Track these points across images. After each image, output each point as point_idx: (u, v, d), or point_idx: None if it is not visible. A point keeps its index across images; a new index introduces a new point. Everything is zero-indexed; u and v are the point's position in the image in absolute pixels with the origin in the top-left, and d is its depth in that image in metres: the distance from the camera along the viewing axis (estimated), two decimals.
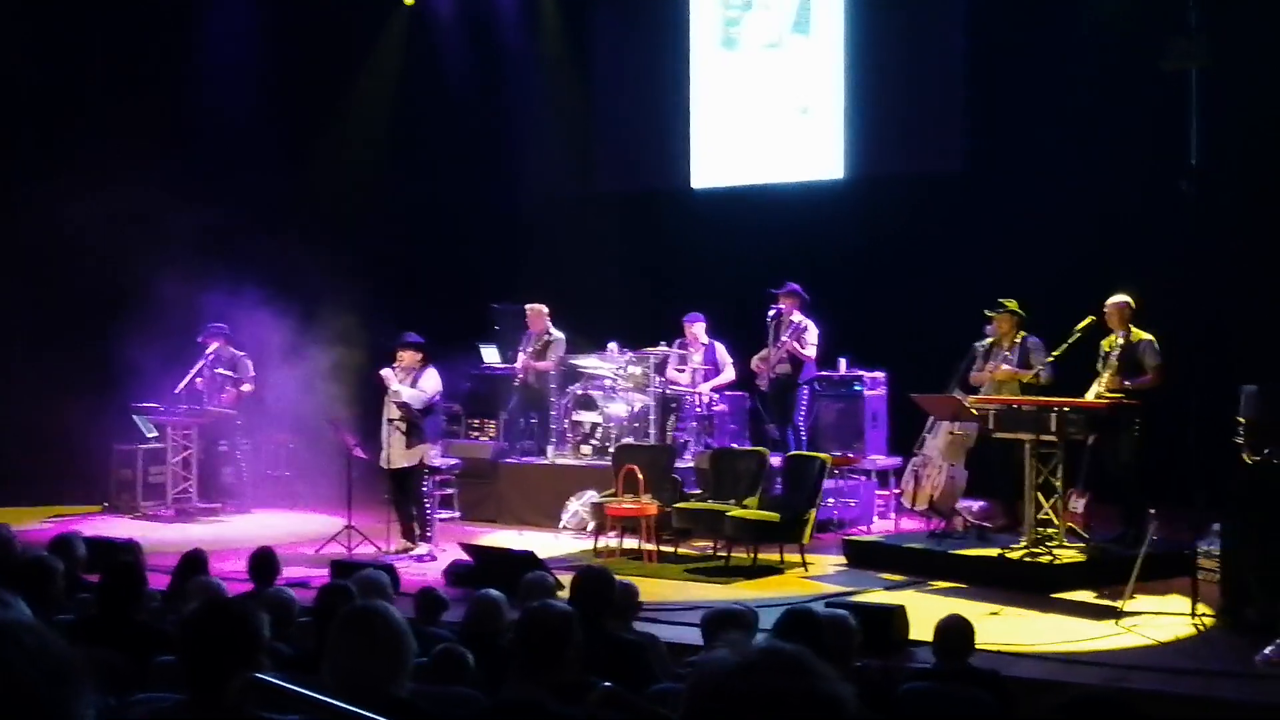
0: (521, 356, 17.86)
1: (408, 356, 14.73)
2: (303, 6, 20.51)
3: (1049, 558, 12.39)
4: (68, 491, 18.06)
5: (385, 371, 14.80)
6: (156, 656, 6.14)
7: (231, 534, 15.85)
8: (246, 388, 17.93)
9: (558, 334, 17.73)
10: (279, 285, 17.44)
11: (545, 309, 17.87)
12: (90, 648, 6.21)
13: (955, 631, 7.54)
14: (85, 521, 16.50)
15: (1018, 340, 13.83)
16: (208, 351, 17.74)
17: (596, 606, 7.18)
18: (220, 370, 17.80)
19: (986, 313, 13.98)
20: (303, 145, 20.78)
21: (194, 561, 9.53)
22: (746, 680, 2.35)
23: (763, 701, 2.34)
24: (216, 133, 20.09)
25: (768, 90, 19.83)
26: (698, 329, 16.78)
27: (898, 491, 15.24)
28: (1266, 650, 9.54)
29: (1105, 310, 13.18)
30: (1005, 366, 13.80)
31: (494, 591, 7.50)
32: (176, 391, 17.50)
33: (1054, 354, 13.31)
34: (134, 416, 18.17)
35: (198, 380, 17.74)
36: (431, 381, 14.78)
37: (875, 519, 16.03)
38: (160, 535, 15.31)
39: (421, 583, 11.83)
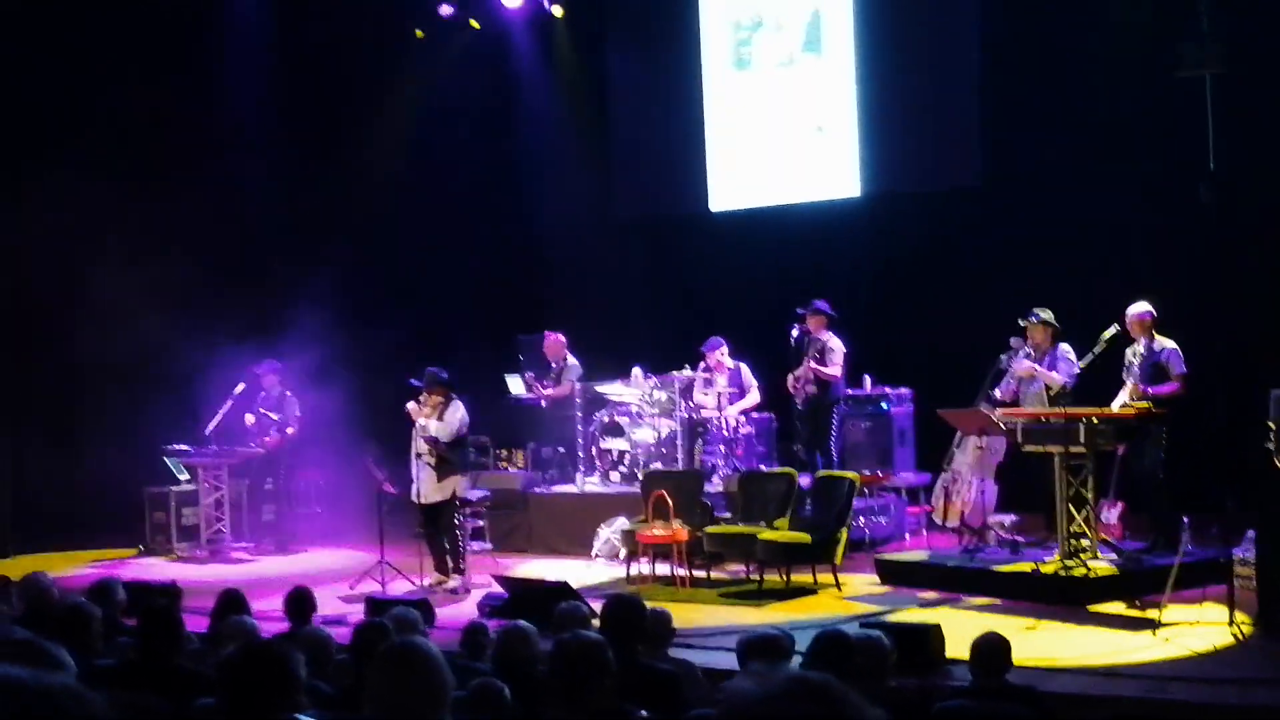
0: (539, 386, 17.95)
1: (433, 391, 14.73)
2: (317, 39, 20.53)
3: (1083, 570, 12.32)
4: (104, 536, 18.13)
5: (411, 406, 14.82)
6: (197, 700, 6.13)
7: (266, 573, 15.92)
8: (290, 430, 18.03)
9: (572, 361, 17.84)
10: (300, 321, 17.48)
11: (563, 338, 17.96)
12: (130, 693, 6.23)
13: (992, 648, 7.50)
14: (122, 565, 16.59)
15: (1049, 350, 13.78)
16: (259, 393, 17.92)
17: (628, 634, 7.17)
18: (263, 410, 17.93)
19: (1020, 321, 13.91)
20: (320, 179, 20.78)
21: (232, 602, 9.52)
22: (774, 711, 2.34)
23: None
24: (233, 171, 20.12)
25: (782, 110, 19.81)
26: (720, 354, 16.72)
27: (928, 508, 15.19)
28: None
29: (1127, 319, 13.15)
30: (1027, 363, 13.74)
31: (523, 622, 7.48)
32: (207, 432, 17.58)
33: (1080, 364, 13.27)
34: (165, 459, 18.22)
35: (249, 418, 17.88)
36: (458, 415, 14.78)
37: (907, 536, 15.99)
38: (195, 576, 15.33)
39: (456, 617, 11.85)
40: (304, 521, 18.46)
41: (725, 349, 16.77)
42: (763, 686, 2.39)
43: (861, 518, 15.31)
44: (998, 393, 13.99)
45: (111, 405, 19.06)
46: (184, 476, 18.28)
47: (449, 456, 14.66)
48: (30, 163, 19.07)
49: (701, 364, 16.82)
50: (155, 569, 15.93)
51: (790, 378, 16.28)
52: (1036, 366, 13.69)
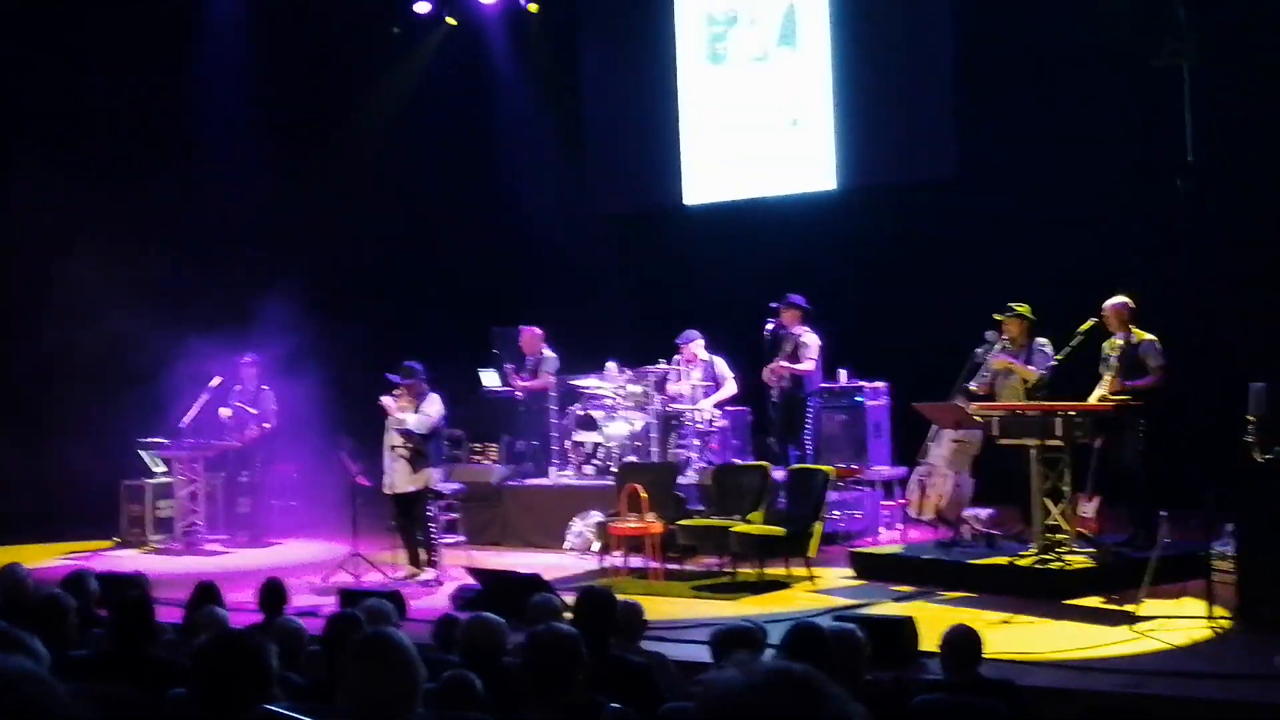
0: (516, 379, 17.91)
1: (409, 384, 14.67)
2: (294, 34, 20.47)
3: (1059, 564, 12.30)
4: (79, 528, 18.09)
5: (386, 399, 14.78)
6: (171, 690, 6.09)
7: (240, 564, 15.94)
8: (267, 424, 18.03)
9: (549, 354, 17.81)
10: (271, 314, 17.45)
11: (539, 331, 17.93)
12: (105, 683, 6.19)
13: (962, 642, 7.45)
14: (97, 557, 16.57)
15: (1026, 343, 13.75)
16: (235, 386, 17.91)
17: (600, 627, 7.16)
18: (239, 404, 17.92)
19: (995, 316, 13.89)
20: (295, 172, 20.73)
21: (206, 593, 9.47)
22: (756, 701, 2.30)
23: None
24: (204, 164, 20.07)
25: (757, 104, 19.80)
26: (695, 347, 16.75)
27: (903, 502, 15.17)
28: None
29: (1104, 312, 13.14)
30: (1003, 356, 13.72)
31: (488, 613, 7.42)
32: (182, 425, 17.54)
33: (1057, 357, 13.25)
34: (140, 452, 18.17)
35: (224, 412, 17.88)
36: (434, 407, 14.77)
37: (882, 530, 15.98)
38: (170, 568, 15.31)
39: (429, 609, 11.83)
40: (278, 514, 18.42)
41: (701, 341, 16.79)
42: (745, 676, 2.33)
43: (836, 511, 15.29)
44: (973, 386, 13.96)
45: (81, 397, 19.04)
46: (159, 469, 18.26)
47: (423, 449, 14.62)
48: None
49: (676, 356, 16.78)
50: (130, 561, 15.87)
51: (766, 370, 16.26)
52: (1012, 361, 13.66)
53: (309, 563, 15.71)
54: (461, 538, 16.12)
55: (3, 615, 7.05)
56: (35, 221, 18.61)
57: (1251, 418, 10.37)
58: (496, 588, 12.16)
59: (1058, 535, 12.53)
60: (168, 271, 18.94)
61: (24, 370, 19.52)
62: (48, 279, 18.80)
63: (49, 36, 19.24)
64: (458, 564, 14.50)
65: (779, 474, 14.91)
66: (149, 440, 18.03)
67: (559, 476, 17.23)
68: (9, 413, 19.42)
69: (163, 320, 17.87)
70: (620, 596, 8.19)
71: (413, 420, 14.57)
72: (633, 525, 14.15)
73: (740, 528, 13.71)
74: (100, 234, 18.40)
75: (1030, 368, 13.50)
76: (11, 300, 19.24)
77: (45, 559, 16.22)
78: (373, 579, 14.31)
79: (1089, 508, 12.97)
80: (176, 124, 20.12)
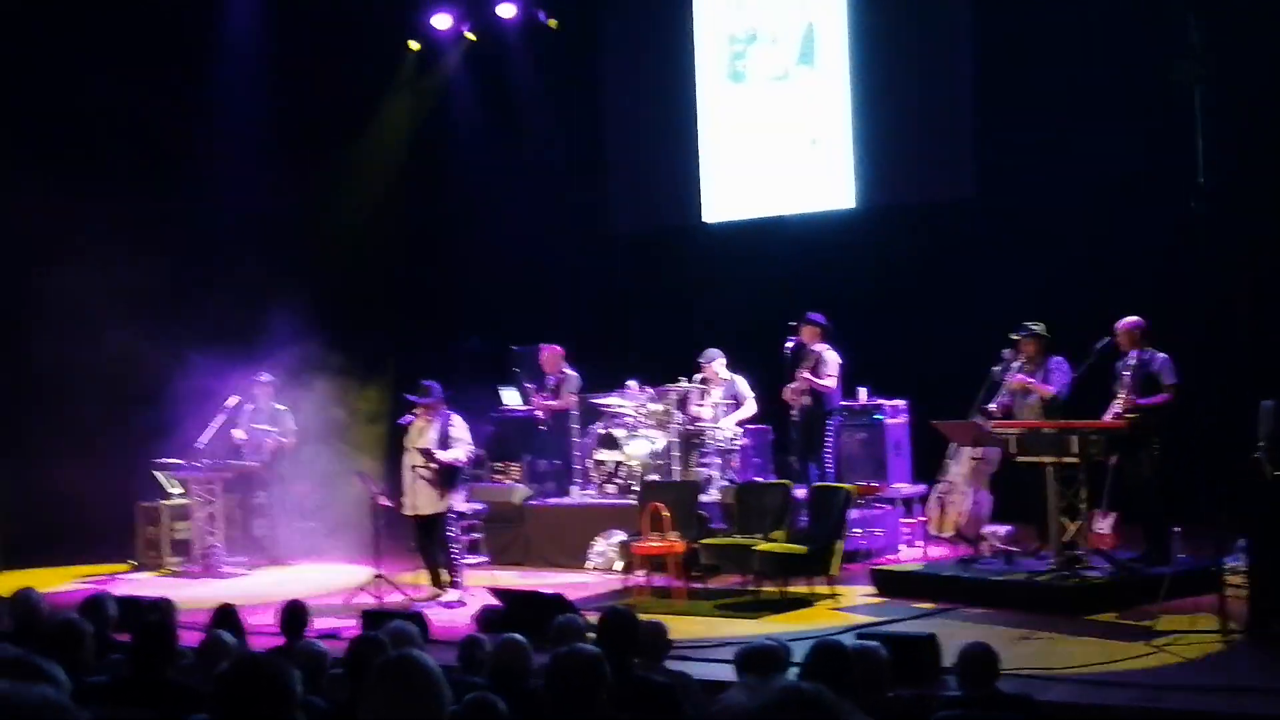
0: (538, 398, 17.96)
1: (425, 403, 14.73)
2: (312, 48, 20.43)
3: (1076, 580, 12.35)
4: (96, 551, 17.99)
5: (409, 420, 14.78)
6: (189, 715, 6.12)
7: (260, 587, 15.80)
8: (288, 442, 17.96)
9: (570, 372, 17.82)
10: (293, 334, 17.40)
11: (560, 350, 17.95)
12: (123, 709, 6.22)
13: (978, 658, 7.49)
14: (114, 581, 16.50)
15: (1042, 362, 13.81)
16: (250, 406, 17.83)
17: (623, 647, 7.17)
18: (257, 425, 17.85)
19: (1011, 335, 13.95)
20: (314, 195, 20.74)
21: (226, 617, 9.51)
22: None
23: None
24: (215, 176, 19.90)
25: (776, 122, 19.86)
26: (717, 365, 16.76)
27: (924, 519, 15.21)
28: None
29: (1117, 331, 13.20)
30: (1020, 376, 13.78)
31: (516, 635, 7.47)
32: (199, 445, 17.36)
33: (1067, 375, 13.35)
34: (155, 473, 17.98)
35: (238, 433, 17.79)
36: (465, 432, 14.78)
37: (902, 547, 16.02)
38: (189, 592, 15.19)
39: (452, 629, 11.87)
40: (297, 535, 18.38)
41: (722, 360, 16.81)
42: (755, 698, 2.41)
43: (857, 529, 15.33)
44: (992, 406, 14.01)
45: (88, 416, 18.78)
46: (176, 490, 18.05)
47: (449, 471, 14.60)
48: None
49: (697, 375, 16.84)
50: (147, 585, 15.85)
51: (787, 389, 16.30)
52: (1029, 380, 13.73)
53: (330, 585, 15.63)
54: (484, 558, 16.16)
55: (16, 641, 7.02)
56: (31, 231, 18.40)
57: (1262, 436, 10.42)
58: (519, 608, 12.18)
59: (1074, 552, 12.60)
60: (167, 288, 18.85)
61: (26, 387, 19.26)
62: (41, 291, 18.57)
63: (49, 37, 19.03)
64: (480, 585, 14.54)
65: (800, 492, 14.96)
66: (165, 461, 17.74)
67: (581, 496, 17.26)
68: (13, 432, 19.12)
69: (169, 336, 17.84)
70: (644, 616, 8.24)
71: (453, 454, 14.55)
72: (655, 544, 14.17)
73: (763, 546, 13.75)
74: (102, 245, 18.04)
75: (1048, 387, 13.57)
76: (9, 315, 19.04)
77: (59, 583, 16.18)
78: (395, 600, 14.29)
79: (1104, 524, 13.02)
80: (186, 132, 19.94)
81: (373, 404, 18.20)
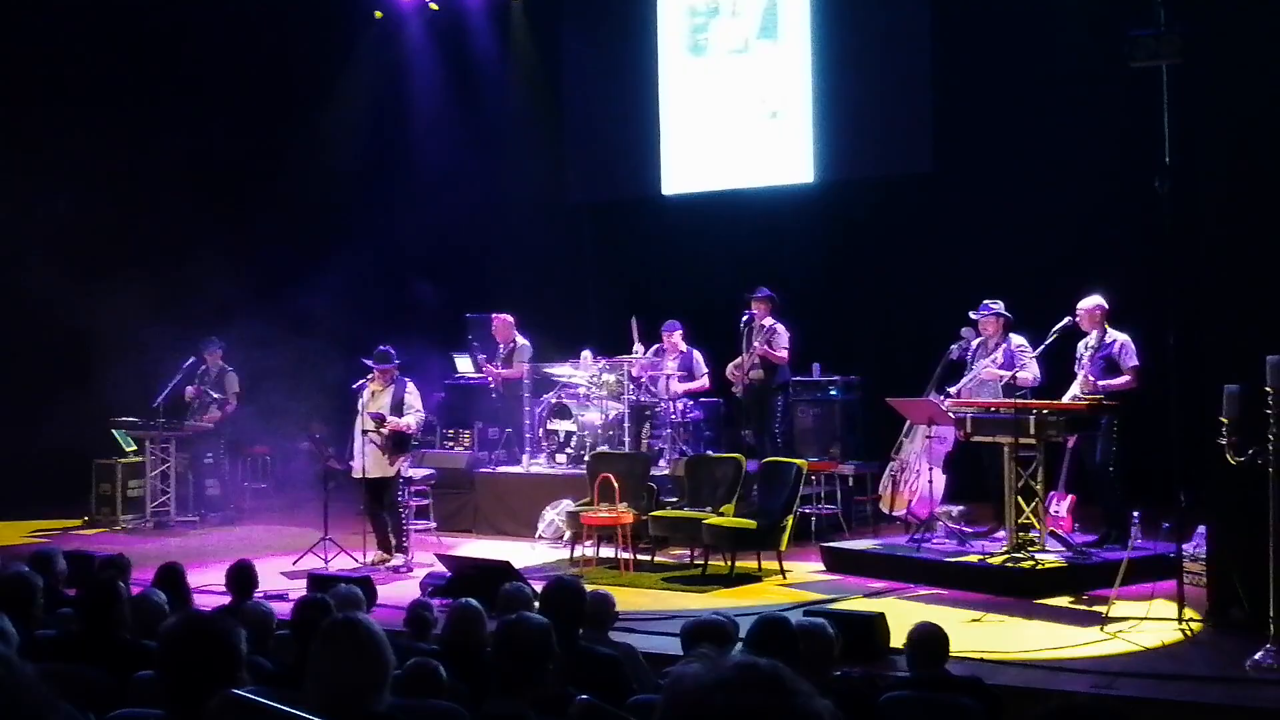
0: (489, 366, 17.85)
1: (382, 368, 14.60)
2: (275, 20, 20.30)
3: (1031, 562, 12.28)
4: (49, 506, 18.07)
5: (365, 388, 14.67)
6: (137, 672, 6.04)
7: (210, 547, 15.84)
8: (230, 406, 18.05)
9: (523, 341, 17.76)
10: (251, 297, 17.38)
11: (511, 319, 17.91)
12: (70, 665, 6.15)
13: (928, 639, 7.40)
14: (66, 537, 16.56)
15: (1001, 341, 13.73)
16: (200, 367, 17.91)
17: (567, 618, 7.12)
18: (204, 388, 17.92)
19: (971, 315, 13.88)
20: (275, 157, 20.70)
21: (171, 574, 9.40)
22: (722, 696, 2.25)
23: (739, 718, 2.23)
24: (189, 148, 19.82)
25: (737, 95, 19.77)
26: (675, 336, 16.78)
27: (876, 497, 15.15)
28: (1257, 655, 9.41)
29: (1078, 312, 13.12)
30: (993, 369, 13.69)
31: (473, 601, 7.39)
32: (155, 405, 17.48)
33: (1031, 356, 13.27)
34: (113, 431, 18.08)
35: (188, 393, 17.87)
36: (418, 400, 14.80)
37: (853, 525, 15.94)
38: (140, 549, 15.07)
39: (398, 595, 11.78)
40: (248, 496, 18.35)
41: (680, 332, 16.86)
42: (711, 671, 2.29)
43: (808, 505, 15.27)
44: (953, 390, 13.91)
45: (49, 375, 18.91)
46: (131, 449, 18.17)
47: (401, 436, 14.52)
48: None
49: (657, 345, 16.87)
50: (99, 541, 15.79)
51: (730, 367, 16.30)
52: (1004, 373, 13.62)
53: (279, 546, 15.63)
54: (432, 524, 16.07)
55: None
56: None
57: (1225, 420, 10.33)
58: (466, 575, 12.12)
59: (1029, 534, 12.52)
60: (125, 252, 18.83)
61: None
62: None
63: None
64: (428, 550, 14.46)
65: (752, 466, 14.88)
66: (121, 420, 17.99)
67: (531, 465, 17.19)
68: None
69: (128, 295, 17.84)
70: (590, 587, 8.16)
71: (406, 420, 14.50)
72: (604, 515, 14.12)
73: (712, 520, 13.67)
74: (52, 202, 18.19)
75: (1025, 375, 13.48)
76: None
77: (12, 536, 16.22)
78: (342, 564, 14.26)
79: (1061, 507, 12.97)
80: (149, 99, 19.98)
81: (325, 367, 18.04)
